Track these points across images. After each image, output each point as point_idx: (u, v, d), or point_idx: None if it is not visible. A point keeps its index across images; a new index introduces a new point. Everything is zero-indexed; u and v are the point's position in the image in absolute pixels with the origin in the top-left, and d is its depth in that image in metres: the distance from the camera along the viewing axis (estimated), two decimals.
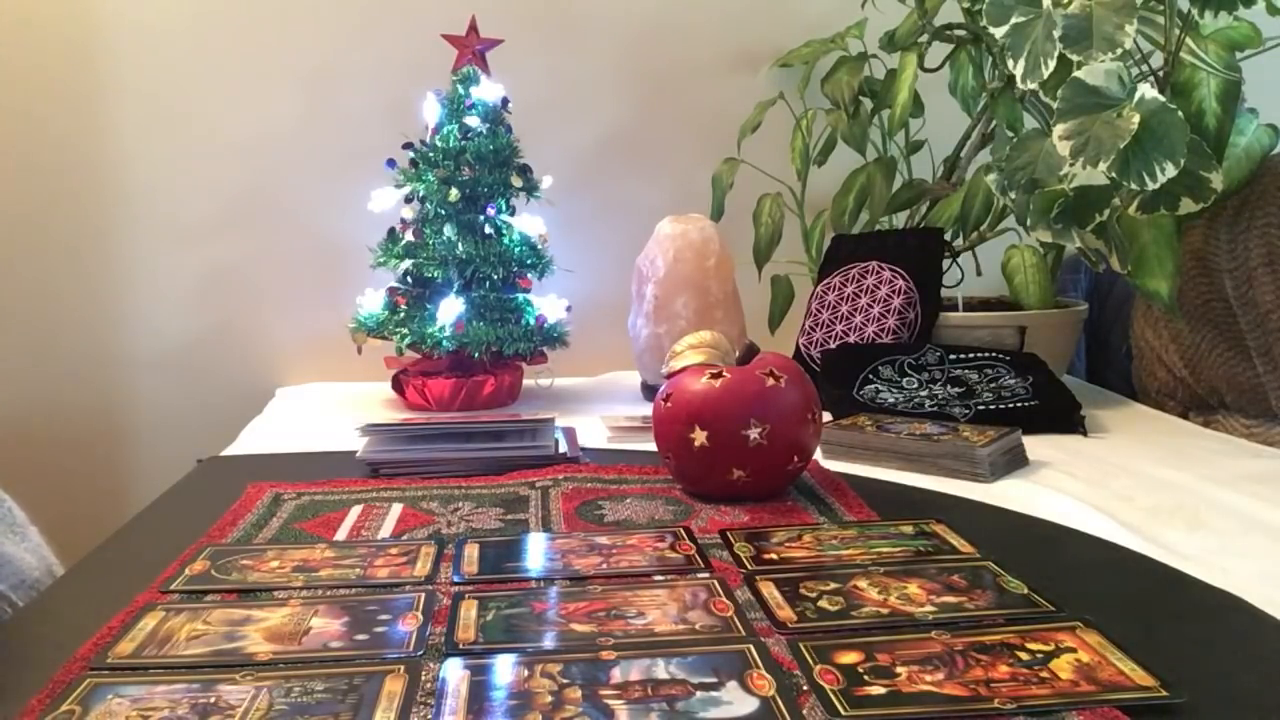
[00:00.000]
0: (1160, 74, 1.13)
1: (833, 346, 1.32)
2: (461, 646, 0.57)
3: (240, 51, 1.54)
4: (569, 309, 1.37)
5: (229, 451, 1.15)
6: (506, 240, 1.33)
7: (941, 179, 1.49)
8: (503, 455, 0.99)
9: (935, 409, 1.14)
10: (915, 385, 1.19)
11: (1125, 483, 0.94)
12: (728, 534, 0.77)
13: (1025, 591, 0.64)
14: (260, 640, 0.58)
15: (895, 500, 0.88)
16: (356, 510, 0.85)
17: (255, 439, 1.22)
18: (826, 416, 1.02)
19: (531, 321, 1.33)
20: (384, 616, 0.62)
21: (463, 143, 1.31)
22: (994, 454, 0.96)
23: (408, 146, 1.35)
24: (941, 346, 1.25)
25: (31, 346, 1.54)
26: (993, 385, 1.18)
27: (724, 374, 0.86)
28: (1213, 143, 1.09)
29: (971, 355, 1.23)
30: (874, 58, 1.50)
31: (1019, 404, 1.13)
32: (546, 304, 1.35)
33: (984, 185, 1.33)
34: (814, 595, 0.64)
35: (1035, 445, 1.04)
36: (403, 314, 1.31)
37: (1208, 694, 0.51)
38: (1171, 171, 1.00)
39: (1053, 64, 1.06)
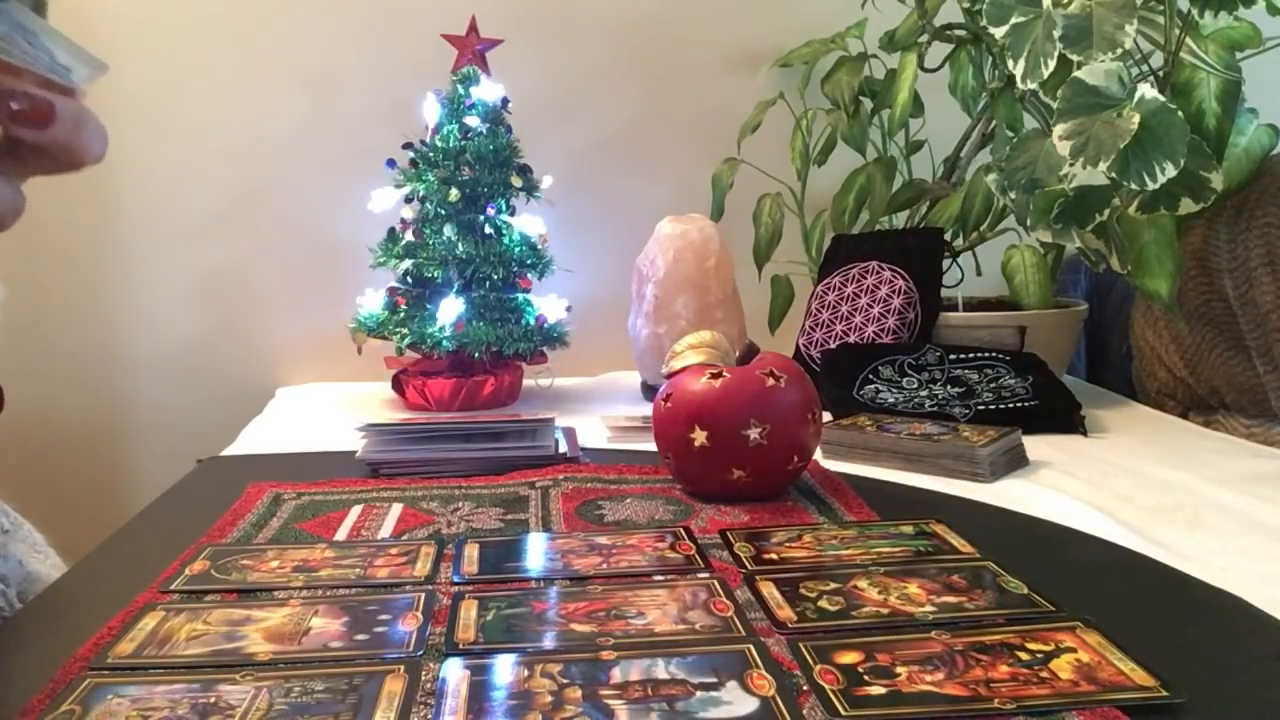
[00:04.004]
0: (1160, 74, 1.13)
1: (833, 346, 1.32)
2: (461, 646, 0.57)
3: (240, 52, 1.54)
4: (569, 309, 1.37)
5: (229, 451, 1.15)
6: (506, 240, 1.33)
7: (941, 179, 1.49)
8: (503, 455, 0.99)
9: (935, 409, 1.14)
10: (915, 385, 1.19)
11: (1125, 483, 0.94)
12: (728, 534, 0.77)
13: (1025, 591, 0.64)
14: (260, 640, 0.58)
15: (895, 500, 0.88)
16: (356, 510, 0.85)
17: (255, 439, 1.22)
18: (826, 416, 1.02)
19: (531, 321, 1.33)
20: (384, 616, 0.61)
21: (463, 143, 1.31)
22: (994, 454, 0.96)
23: (408, 146, 1.35)
24: (941, 346, 1.25)
25: (31, 346, 1.54)
26: (993, 385, 1.18)
27: (724, 374, 0.86)
28: (1213, 143, 1.09)
29: (971, 355, 1.23)
30: (874, 58, 1.50)
31: (1019, 404, 1.13)
32: (546, 304, 1.35)
33: (984, 185, 1.33)
34: (814, 595, 0.64)
35: (1035, 445, 1.04)
36: (403, 314, 1.31)
37: (1208, 694, 0.51)
38: (1171, 171, 1.00)
39: (1053, 64, 1.06)
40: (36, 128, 0.40)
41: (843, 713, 0.49)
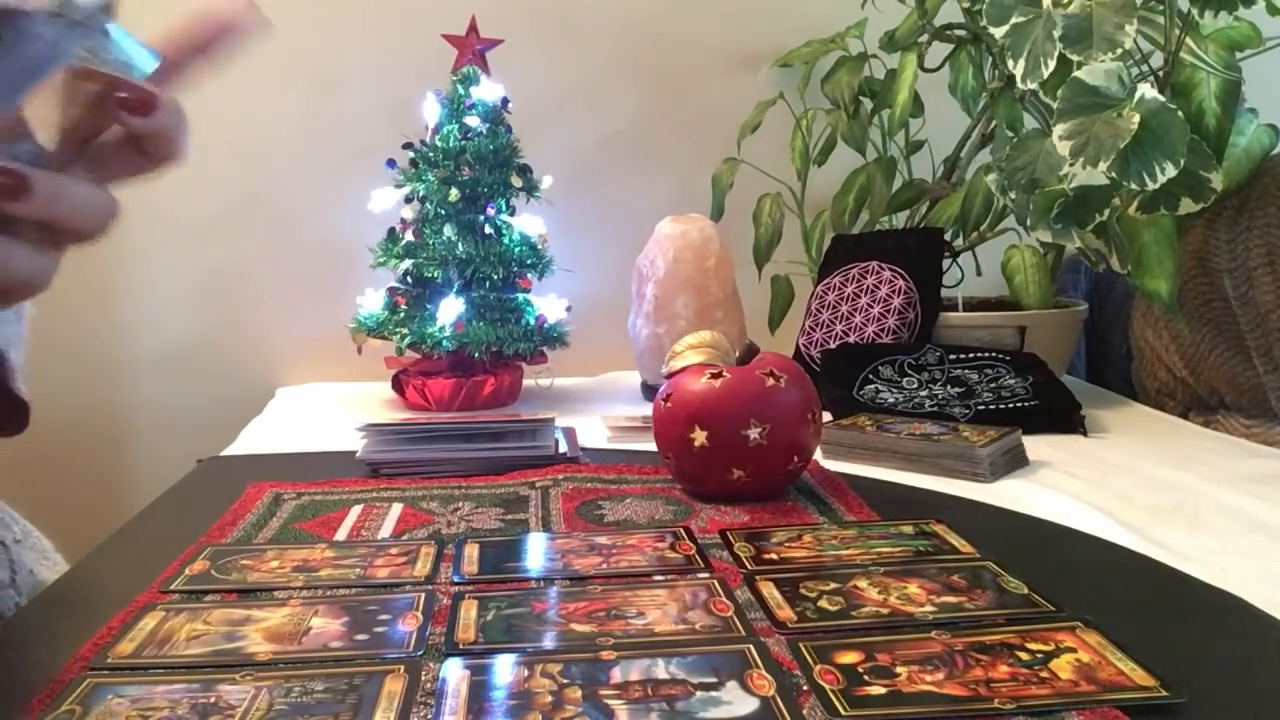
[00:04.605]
0: (1160, 74, 1.13)
1: (833, 346, 1.32)
2: (461, 646, 0.57)
3: (240, 52, 1.53)
4: (569, 309, 1.37)
5: (229, 451, 1.15)
6: (506, 240, 1.33)
7: (941, 179, 1.49)
8: (503, 455, 0.99)
9: (935, 409, 1.14)
10: (915, 385, 1.19)
11: (1125, 483, 0.94)
12: (728, 534, 0.77)
13: (1025, 591, 0.64)
14: (260, 640, 0.58)
15: (895, 500, 0.88)
16: (356, 510, 0.85)
17: (255, 439, 1.22)
18: (826, 416, 1.02)
19: (531, 321, 1.33)
20: (384, 616, 0.61)
21: (463, 143, 1.31)
22: (994, 454, 0.96)
23: (408, 146, 1.35)
24: (941, 346, 1.25)
25: (32, 346, 1.54)
26: (993, 385, 1.18)
27: (724, 374, 0.86)
28: (1213, 143, 1.09)
29: (971, 355, 1.23)
30: (874, 58, 1.50)
31: (1019, 404, 1.13)
32: (546, 304, 1.35)
33: (984, 185, 1.33)
34: (814, 595, 0.64)
35: (1035, 445, 1.03)
36: (403, 314, 1.31)
37: (1208, 694, 0.51)
38: (1171, 171, 1.00)
39: (1053, 64, 1.06)
40: (143, 115, 0.42)
41: (843, 713, 0.49)
